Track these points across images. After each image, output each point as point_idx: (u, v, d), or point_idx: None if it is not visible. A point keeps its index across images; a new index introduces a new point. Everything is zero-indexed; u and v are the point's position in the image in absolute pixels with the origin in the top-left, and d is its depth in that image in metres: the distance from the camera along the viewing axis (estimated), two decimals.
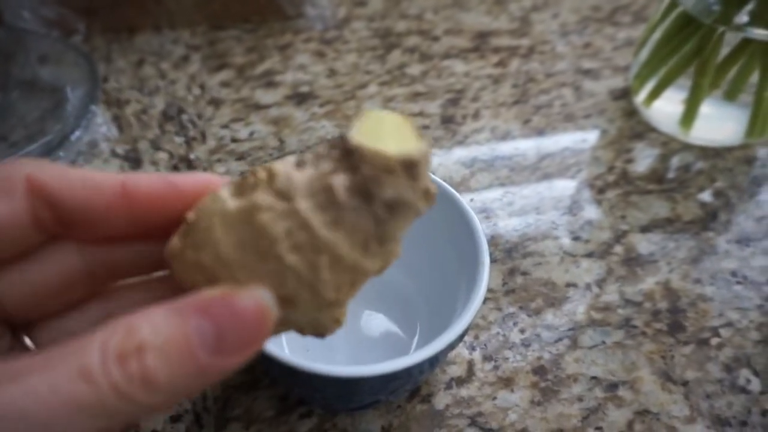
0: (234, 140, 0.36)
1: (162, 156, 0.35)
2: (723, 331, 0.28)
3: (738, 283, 0.30)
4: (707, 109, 0.36)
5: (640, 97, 0.38)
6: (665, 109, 0.37)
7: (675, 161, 0.36)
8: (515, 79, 0.41)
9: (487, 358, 0.27)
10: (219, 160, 0.35)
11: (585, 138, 0.38)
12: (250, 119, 0.38)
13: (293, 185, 0.13)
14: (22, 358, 0.12)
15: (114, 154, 0.35)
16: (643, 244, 0.31)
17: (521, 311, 0.28)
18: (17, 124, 0.35)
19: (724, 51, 0.34)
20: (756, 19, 0.32)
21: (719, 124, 0.37)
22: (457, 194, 0.25)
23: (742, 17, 0.32)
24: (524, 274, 0.30)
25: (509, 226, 0.32)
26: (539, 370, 0.26)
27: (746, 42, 0.32)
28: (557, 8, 0.48)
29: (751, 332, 0.28)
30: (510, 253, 0.31)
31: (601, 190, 0.34)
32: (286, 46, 0.43)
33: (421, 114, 0.39)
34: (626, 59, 0.43)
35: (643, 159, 0.36)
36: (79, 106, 0.34)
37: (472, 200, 0.33)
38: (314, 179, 0.14)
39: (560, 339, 0.27)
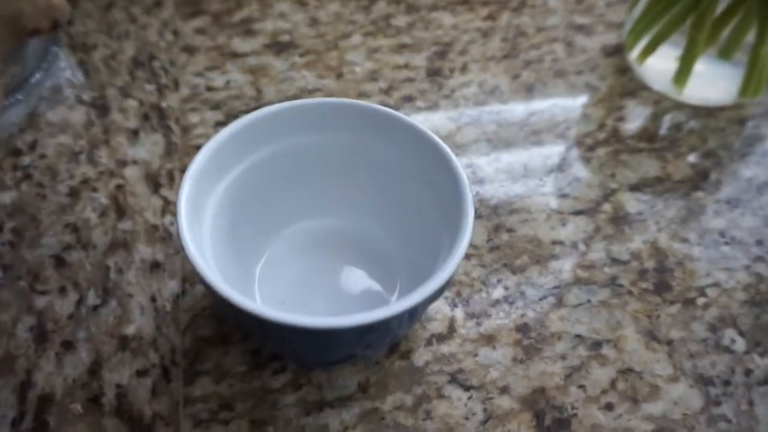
0: (209, 89, 0.34)
1: (132, 104, 0.33)
2: (709, 291, 0.27)
3: (726, 243, 0.29)
4: (701, 67, 0.35)
5: (634, 53, 0.37)
6: (659, 66, 0.36)
7: (667, 120, 0.35)
8: (505, 33, 0.40)
9: (469, 315, 0.26)
10: (193, 109, 0.33)
11: (575, 95, 0.36)
12: (226, 68, 0.36)
13: None
14: None
15: (80, 100, 0.33)
16: (632, 203, 0.31)
17: (505, 268, 0.28)
18: None
19: (721, 6, 0.32)
20: None
21: (713, 82, 0.36)
22: (440, 141, 0.23)
23: None
24: (510, 230, 0.29)
25: (495, 182, 0.31)
26: (522, 328, 0.26)
27: None
28: None
29: (737, 293, 0.27)
30: (495, 210, 0.30)
31: (590, 148, 0.33)
32: None
33: (406, 66, 0.37)
34: (620, 15, 0.41)
35: (635, 117, 0.35)
36: (40, 48, 0.32)
37: (457, 155, 0.32)
38: None
39: (545, 297, 0.27)
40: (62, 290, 0.26)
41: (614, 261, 0.28)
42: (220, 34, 0.38)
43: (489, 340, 0.25)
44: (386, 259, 0.26)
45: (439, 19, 0.40)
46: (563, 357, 0.25)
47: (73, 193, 0.29)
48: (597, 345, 0.25)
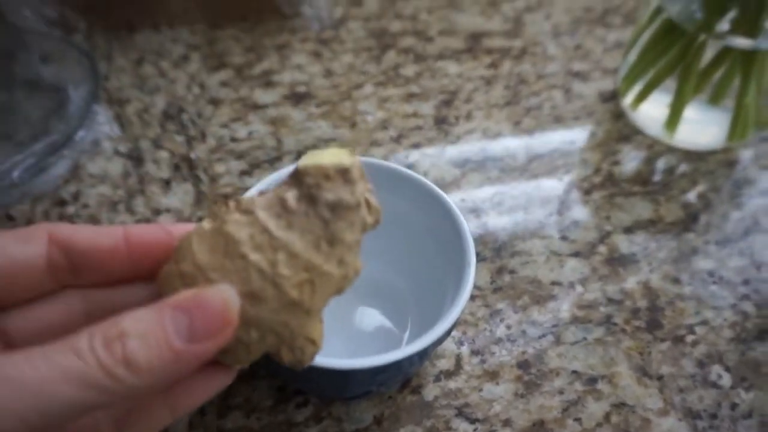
0: (233, 140, 0.37)
1: (163, 155, 0.36)
2: (698, 329, 0.29)
3: (714, 282, 0.31)
4: (692, 112, 0.37)
5: (628, 99, 0.40)
6: (651, 112, 0.39)
7: (660, 164, 0.38)
8: (507, 81, 0.42)
9: (474, 353, 0.28)
10: (219, 159, 0.36)
11: (573, 139, 0.39)
12: (248, 119, 0.39)
13: (254, 203, 0.17)
14: (18, 351, 0.14)
15: (117, 152, 0.36)
16: (626, 245, 0.33)
17: (508, 308, 0.30)
18: (21, 123, 0.36)
19: (708, 57, 0.35)
20: (736, 28, 0.33)
21: (703, 127, 0.38)
22: (444, 195, 0.26)
23: (724, 25, 0.33)
24: (512, 272, 0.31)
25: (498, 225, 0.34)
26: (523, 365, 0.28)
27: (727, 50, 0.34)
28: (550, 9, 0.49)
29: (724, 330, 0.29)
30: (499, 252, 0.32)
31: (587, 191, 0.36)
32: (283, 45, 0.44)
33: (414, 115, 0.40)
34: (616, 61, 0.44)
35: (629, 161, 0.38)
36: (82, 105, 0.35)
37: (463, 200, 0.35)
38: (271, 197, 0.17)
39: (544, 335, 0.29)
40: None
41: (609, 300, 0.30)
42: (242, 86, 0.41)
43: (492, 376, 0.27)
44: (397, 298, 0.29)
45: (444, 68, 0.43)
46: (561, 392, 0.27)
47: None
48: (592, 380, 0.27)
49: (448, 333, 0.23)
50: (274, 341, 0.17)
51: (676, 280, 0.31)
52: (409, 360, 0.22)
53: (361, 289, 0.30)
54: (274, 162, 0.36)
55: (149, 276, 0.18)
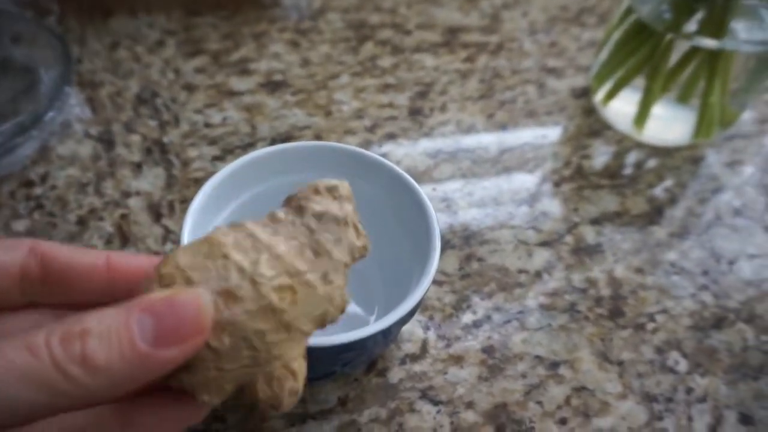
0: (207, 125, 0.37)
1: (135, 138, 0.36)
2: (658, 317, 0.30)
3: (675, 273, 0.32)
4: (660, 110, 0.38)
5: (599, 96, 0.40)
6: (621, 108, 0.39)
7: (628, 158, 0.39)
8: (482, 75, 0.43)
9: (440, 337, 0.29)
10: (192, 144, 0.36)
11: (545, 134, 0.39)
12: (223, 105, 0.39)
13: (245, 222, 0.17)
14: None
15: (87, 135, 0.36)
16: (592, 236, 0.34)
17: (475, 294, 0.30)
18: None
19: (676, 57, 0.36)
20: (703, 29, 0.34)
21: (670, 124, 0.39)
22: (412, 181, 0.26)
23: (691, 26, 0.34)
24: (480, 260, 0.32)
25: (468, 215, 0.34)
26: (488, 349, 0.28)
27: (694, 50, 0.35)
28: (527, 6, 0.49)
29: (683, 318, 0.30)
30: (468, 241, 0.33)
31: (557, 184, 0.36)
32: (261, 34, 0.44)
33: (390, 105, 0.40)
34: (589, 59, 0.45)
35: (599, 155, 0.39)
36: (53, 86, 0.35)
37: (434, 189, 0.35)
38: (263, 218, 0.17)
39: (509, 321, 0.29)
40: None
41: (574, 289, 0.31)
42: (218, 73, 0.41)
43: (457, 360, 0.28)
44: (365, 285, 0.29)
45: (421, 60, 0.44)
46: (524, 376, 0.27)
47: (81, 222, 0.32)
48: (555, 365, 0.28)
49: (411, 314, 0.23)
50: (248, 359, 0.15)
51: (639, 270, 0.32)
52: (373, 339, 0.22)
53: None
54: (247, 148, 0.36)
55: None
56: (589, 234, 0.34)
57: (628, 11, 0.37)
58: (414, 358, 0.28)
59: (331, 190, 0.17)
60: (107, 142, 0.36)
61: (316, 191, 0.17)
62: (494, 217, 0.34)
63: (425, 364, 0.28)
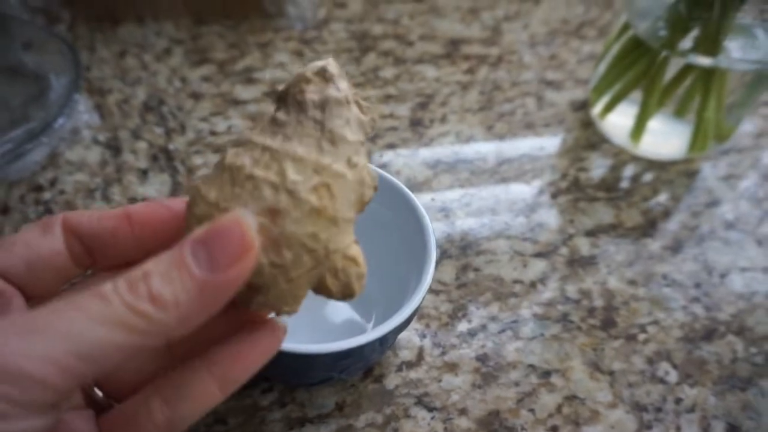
0: (212, 133, 0.38)
1: (142, 145, 0.37)
2: (650, 328, 0.31)
3: (667, 285, 0.33)
4: (657, 124, 0.39)
5: (596, 109, 0.41)
6: (618, 122, 0.40)
7: (624, 172, 0.39)
8: (482, 87, 0.44)
9: (436, 345, 0.29)
10: (197, 152, 0.37)
11: (543, 145, 0.40)
12: (228, 113, 0.40)
13: (246, 133, 0.17)
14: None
15: (95, 141, 0.37)
16: (587, 247, 0.34)
17: (470, 304, 0.31)
18: (1, 109, 0.36)
19: (672, 73, 0.36)
20: (698, 46, 0.35)
21: (666, 138, 0.40)
22: (409, 192, 0.27)
23: (686, 44, 0.35)
24: (476, 270, 0.33)
25: (466, 225, 0.35)
26: (482, 357, 0.29)
27: (689, 67, 0.35)
28: (528, 19, 0.50)
29: (673, 330, 0.31)
30: (465, 251, 0.34)
31: (554, 196, 0.37)
32: (266, 43, 0.45)
33: (391, 116, 0.41)
34: (588, 72, 0.46)
35: (596, 168, 0.39)
36: (63, 93, 0.35)
37: (433, 199, 0.36)
38: (262, 123, 0.17)
39: (503, 330, 0.30)
40: None
41: (567, 299, 0.32)
42: (224, 81, 0.42)
43: (452, 367, 0.28)
44: (364, 294, 0.30)
45: (423, 72, 0.44)
46: (516, 384, 0.28)
47: None
48: (547, 374, 0.29)
49: (408, 321, 0.24)
50: (311, 262, 0.16)
51: (632, 282, 0.33)
52: (371, 346, 0.23)
53: None
54: None
55: (158, 252, 0.18)
56: (584, 246, 0.34)
57: (626, 26, 0.38)
58: (410, 365, 0.28)
59: (321, 73, 0.17)
60: (114, 148, 0.37)
61: (307, 80, 0.17)
62: (491, 227, 0.35)
63: (421, 371, 0.28)
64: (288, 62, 0.44)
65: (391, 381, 0.28)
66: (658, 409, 0.28)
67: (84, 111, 0.38)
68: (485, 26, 0.49)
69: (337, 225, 0.16)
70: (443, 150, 0.39)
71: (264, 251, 0.16)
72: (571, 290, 0.32)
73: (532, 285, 0.32)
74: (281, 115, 0.17)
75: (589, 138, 0.41)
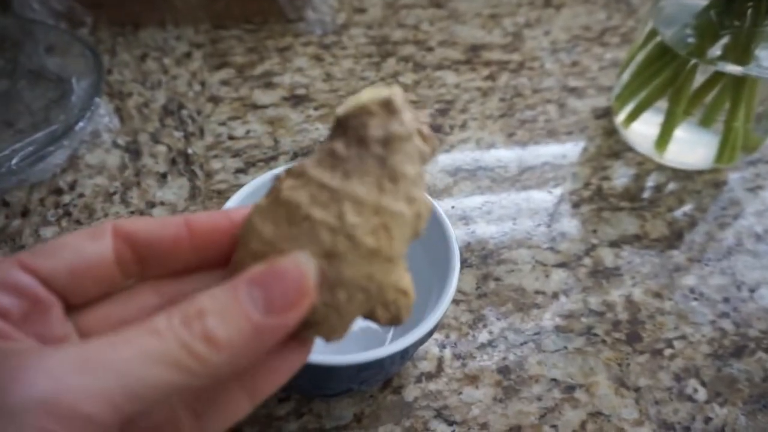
0: (231, 138, 0.38)
1: (161, 149, 0.37)
2: (677, 343, 0.30)
3: (695, 299, 0.32)
4: (682, 133, 0.38)
5: (620, 117, 0.40)
6: (642, 130, 0.39)
7: (648, 181, 0.38)
8: (503, 93, 0.43)
9: (456, 356, 0.29)
10: (215, 156, 0.37)
11: (565, 153, 0.39)
12: (247, 118, 0.39)
13: (304, 165, 0.16)
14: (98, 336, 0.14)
15: (115, 144, 0.37)
16: (611, 258, 0.34)
17: (491, 314, 0.30)
18: (23, 111, 0.36)
19: (699, 81, 0.36)
20: (728, 54, 0.34)
21: (692, 148, 0.39)
22: (433, 202, 0.26)
23: (715, 51, 0.34)
24: (497, 279, 0.32)
25: (487, 233, 0.34)
26: (504, 370, 0.28)
27: (718, 75, 0.34)
28: (549, 26, 0.50)
29: (702, 345, 0.30)
30: (485, 260, 0.33)
31: (576, 205, 0.36)
32: (285, 48, 0.45)
33: None
34: (611, 80, 0.45)
35: (619, 177, 0.38)
36: (84, 97, 0.35)
37: (453, 207, 0.35)
38: (320, 154, 0.16)
39: (525, 342, 0.29)
40: None
41: (591, 312, 0.31)
42: (243, 86, 0.42)
43: (473, 380, 0.28)
44: None
45: (443, 77, 0.44)
46: (539, 398, 0.27)
47: None
48: (570, 389, 0.28)
49: (429, 334, 0.24)
50: (364, 299, 0.16)
51: (658, 295, 0.32)
52: (391, 358, 0.23)
53: None
54: (269, 161, 0.37)
55: (215, 263, 0.18)
56: (608, 256, 0.34)
57: (652, 33, 0.37)
58: (429, 376, 0.28)
59: (386, 106, 0.16)
60: (134, 152, 0.37)
61: (370, 113, 0.15)
62: (512, 236, 0.34)
63: (440, 382, 0.28)
64: (307, 67, 0.43)
65: (410, 393, 0.27)
66: (687, 429, 0.27)
67: (104, 114, 0.38)
68: (506, 32, 0.48)
69: (393, 263, 0.16)
70: (463, 157, 0.38)
71: (318, 291, 0.15)
72: (595, 302, 0.31)
73: (555, 296, 0.31)
74: (340, 148, 0.16)
75: (611, 146, 0.40)
